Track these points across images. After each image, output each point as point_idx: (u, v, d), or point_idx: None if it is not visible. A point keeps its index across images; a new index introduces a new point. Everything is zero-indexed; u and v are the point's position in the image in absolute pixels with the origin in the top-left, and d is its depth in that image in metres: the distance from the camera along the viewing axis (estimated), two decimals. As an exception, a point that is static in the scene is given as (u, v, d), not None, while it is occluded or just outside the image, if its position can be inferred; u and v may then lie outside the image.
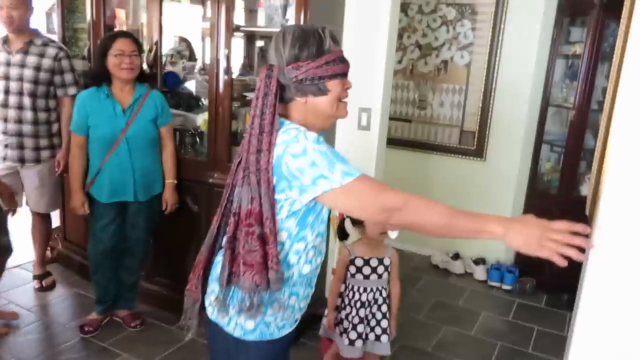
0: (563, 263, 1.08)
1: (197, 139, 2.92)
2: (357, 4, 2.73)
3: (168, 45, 3.20)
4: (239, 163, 1.32)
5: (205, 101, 2.94)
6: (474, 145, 3.84)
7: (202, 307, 1.45)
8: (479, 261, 3.73)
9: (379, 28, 2.70)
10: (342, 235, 2.27)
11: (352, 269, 2.15)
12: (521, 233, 1.11)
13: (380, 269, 2.15)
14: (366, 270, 2.14)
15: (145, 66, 2.77)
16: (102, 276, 2.68)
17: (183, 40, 3.22)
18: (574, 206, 2.92)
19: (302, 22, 2.41)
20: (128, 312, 2.82)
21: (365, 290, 2.14)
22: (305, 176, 1.21)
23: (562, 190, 3.45)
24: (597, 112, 3.39)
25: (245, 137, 1.28)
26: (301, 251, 1.34)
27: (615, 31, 3.22)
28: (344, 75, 1.30)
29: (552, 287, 3.47)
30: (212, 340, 1.48)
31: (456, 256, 3.82)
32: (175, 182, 2.70)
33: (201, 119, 2.82)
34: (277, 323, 1.39)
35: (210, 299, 1.40)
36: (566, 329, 3.05)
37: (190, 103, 3.16)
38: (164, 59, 2.97)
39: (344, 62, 1.29)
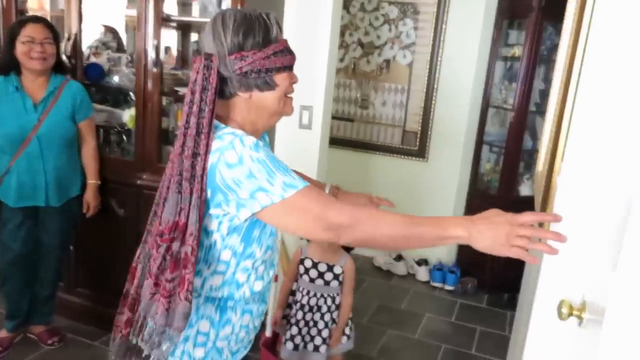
0: (534, 261, 1.00)
1: (124, 137, 2.69)
2: (298, -2, 2.60)
3: (92, 35, 2.93)
4: (171, 165, 1.17)
5: (133, 96, 2.71)
6: (416, 145, 3.81)
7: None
8: (422, 262, 3.70)
9: (321, 24, 2.59)
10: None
11: (301, 269, 2.06)
12: (487, 234, 1.00)
13: (329, 276, 2.04)
14: (313, 273, 2.03)
15: (64, 57, 2.50)
16: (12, 288, 2.39)
17: (109, 30, 2.96)
18: (513, 206, 2.92)
19: (238, 13, 2.25)
20: (44, 327, 2.54)
21: (308, 293, 2.04)
22: (242, 189, 1.05)
23: (502, 190, 3.48)
24: (535, 114, 3.45)
25: (178, 139, 1.10)
26: (250, 268, 1.20)
27: (553, 34, 3.28)
28: (291, 68, 1.16)
29: (492, 286, 3.50)
30: None
31: (399, 257, 3.78)
32: (99, 182, 2.46)
33: (128, 115, 2.59)
34: (230, 348, 1.25)
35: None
36: (507, 328, 3.07)
37: (118, 98, 2.91)
38: (86, 49, 2.71)
39: (291, 53, 1.15)
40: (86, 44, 2.73)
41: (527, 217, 1.00)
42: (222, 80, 1.11)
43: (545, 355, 1.21)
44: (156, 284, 1.10)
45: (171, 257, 1.08)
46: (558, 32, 3.23)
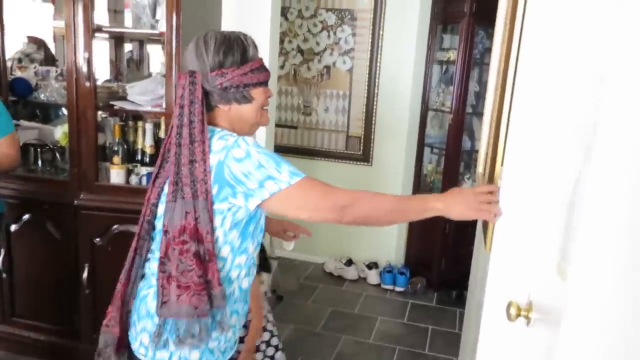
0: (494, 220, 1.20)
1: (57, 155, 2.55)
2: (236, 7, 2.56)
3: (16, 47, 2.77)
4: (156, 176, 1.27)
5: (66, 111, 2.57)
6: (360, 150, 3.86)
7: (120, 346, 1.30)
8: (372, 265, 3.74)
9: (260, 31, 2.57)
10: (265, 265, 2.08)
11: None
12: (459, 202, 1.20)
13: None
14: None
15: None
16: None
17: (34, 41, 2.80)
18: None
19: (174, 24, 2.19)
20: (-24, 364, 2.36)
21: None
22: (252, 180, 1.16)
23: (445, 190, 3.54)
24: (471, 115, 3.58)
25: (171, 149, 1.21)
26: (242, 264, 1.28)
27: (485, 38, 3.42)
28: (266, 83, 1.30)
29: (441, 285, 3.59)
30: None
31: (349, 262, 3.80)
32: None
33: (60, 132, 2.46)
34: (220, 348, 1.29)
35: (141, 339, 1.26)
36: (457, 326, 3.15)
37: (48, 114, 2.76)
38: (9, 63, 2.55)
39: (266, 70, 1.29)
40: (9, 57, 2.57)
41: (482, 187, 1.25)
42: (205, 94, 1.23)
43: (497, 357, 1.24)
44: (179, 286, 1.16)
45: (194, 257, 1.16)
46: (489, 36, 3.37)
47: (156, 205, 1.27)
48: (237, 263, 1.26)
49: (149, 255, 1.31)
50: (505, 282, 1.21)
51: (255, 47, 1.27)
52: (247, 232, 1.26)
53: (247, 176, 1.16)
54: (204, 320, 1.18)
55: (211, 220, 1.18)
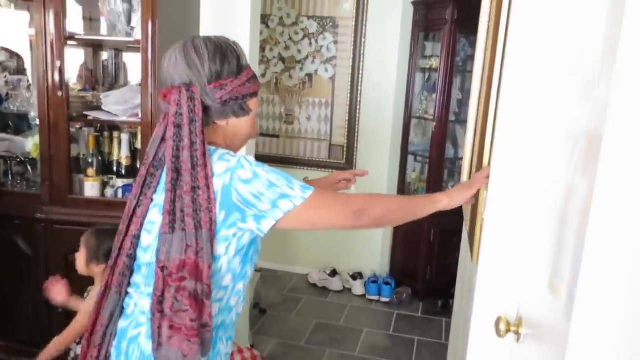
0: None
1: (29, 168, 2.45)
2: (214, 14, 2.51)
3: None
4: (137, 205, 1.14)
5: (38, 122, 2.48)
6: (344, 158, 3.81)
7: None
8: (357, 276, 3.68)
9: (240, 39, 2.51)
10: None
11: None
12: (460, 190, 1.26)
13: None
14: None
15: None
16: None
17: (6, 50, 2.71)
18: (442, 214, 2.99)
19: (150, 31, 2.13)
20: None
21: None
22: (264, 201, 1.07)
23: (429, 198, 3.53)
24: (454, 123, 3.56)
25: (167, 175, 1.08)
26: (241, 290, 1.21)
27: (467, 46, 3.41)
28: (257, 92, 1.21)
29: (426, 294, 3.55)
30: None
31: (334, 273, 3.73)
32: None
33: (31, 144, 2.37)
34: None
35: None
36: (443, 336, 3.10)
37: (20, 125, 2.66)
38: (-21, 73, 2.46)
39: (256, 78, 1.20)
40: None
41: (480, 174, 1.28)
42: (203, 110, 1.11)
43: (487, 375, 1.19)
44: (172, 327, 1.06)
45: (189, 297, 1.06)
46: (471, 43, 3.37)
47: (138, 237, 1.15)
48: (237, 290, 1.19)
49: (129, 290, 1.18)
50: (493, 296, 1.16)
51: (244, 53, 1.18)
52: (248, 257, 1.18)
53: (258, 198, 1.07)
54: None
55: (211, 254, 1.08)
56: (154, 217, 1.13)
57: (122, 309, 1.18)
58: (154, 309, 1.08)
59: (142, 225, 1.14)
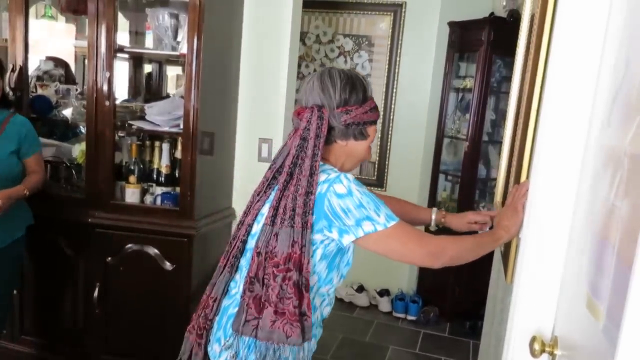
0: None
1: (74, 173, 2.56)
2: (256, 31, 2.59)
3: (39, 67, 2.81)
4: (257, 201, 1.31)
5: (84, 129, 2.60)
6: (375, 175, 3.84)
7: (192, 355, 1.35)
8: (384, 292, 3.68)
9: (279, 56, 2.59)
10: None
11: None
12: (509, 219, 1.32)
13: None
14: None
15: (8, 89, 2.37)
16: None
17: (57, 61, 2.85)
18: (470, 233, 2.97)
19: (195, 46, 2.22)
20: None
21: None
22: (350, 217, 1.20)
23: (459, 218, 3.52)
24: (487, 143, 3.55)
25: (292, 179, 1.24)
26: (326, 294, 1.33)
27: (502, 67, 3.41)
28: (376, 122, 1.37)
29: (454, 315, 3.51)
30: None
31: (360, 288, 3.74)
32: (26, 193, 2.11)
33: (78, 150, 2.48)
34: None
35: (214, 349, 1.30)
36: (470, 357, 3.07)
37: (66, 131, 2.78)
38: (32, 81, 2.59)
39: (377, 109, 1.36)
40: (32, 75, 2.61)
41: (511, 197, 1.37)
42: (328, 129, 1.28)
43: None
44: (276, 312, 1.20)
45: (294, 286, 1.20)
46: (506, 64, 3.37)
47: (251, 226, 1.32)
48: (321, 292, 1.31)
49: (236, 274, 1.35)
50: (528, 316, 1.17)
51: (370, 86, 1.34)
52: (334, 264, 1.30)
53: (345, 213, 1.20)
54: (295, 349, 1.22)
55: (310, 251, 1.22)
56: (264, 211, 1.29)
57: (228, 289, 1.34)
58: (246, 289, 1.23)
59: (256, 216, 1.31)
